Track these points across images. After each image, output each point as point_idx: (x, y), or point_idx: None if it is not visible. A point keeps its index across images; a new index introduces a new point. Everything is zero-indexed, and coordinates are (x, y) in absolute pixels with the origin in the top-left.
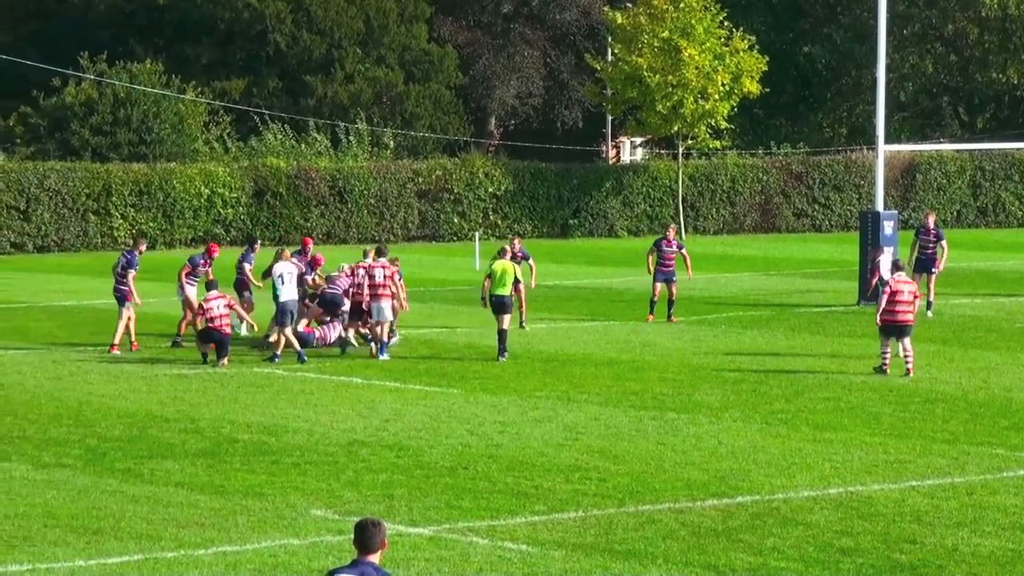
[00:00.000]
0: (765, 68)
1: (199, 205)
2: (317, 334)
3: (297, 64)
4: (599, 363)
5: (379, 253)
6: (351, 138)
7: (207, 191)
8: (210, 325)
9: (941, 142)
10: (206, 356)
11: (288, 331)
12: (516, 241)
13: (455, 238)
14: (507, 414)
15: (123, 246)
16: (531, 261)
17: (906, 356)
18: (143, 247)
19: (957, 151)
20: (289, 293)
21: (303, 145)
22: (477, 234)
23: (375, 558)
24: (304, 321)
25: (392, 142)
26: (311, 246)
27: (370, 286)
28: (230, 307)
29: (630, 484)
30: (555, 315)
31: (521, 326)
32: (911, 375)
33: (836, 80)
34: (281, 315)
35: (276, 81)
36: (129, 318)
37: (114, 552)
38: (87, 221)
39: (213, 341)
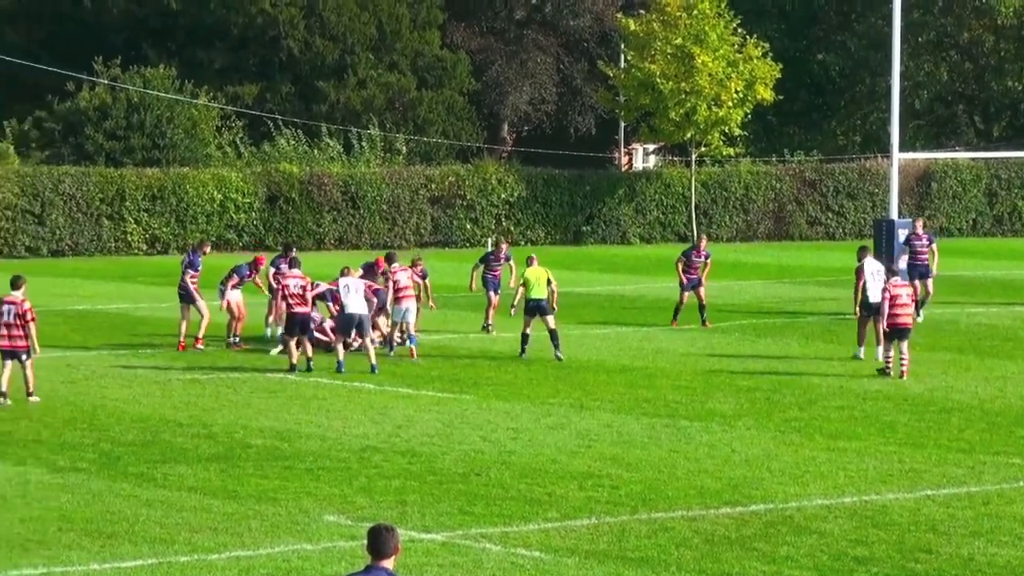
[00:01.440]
0: (779, 75)
1: (212, 210)
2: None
3: (310, 69)
4: (612, 370)
5: (389, 260)
6: (363, 144)
7: (220, 196)
8: (288, 303)
9: (956, 150)
10: (294, 366)
11: (342, 343)
12: (504, 245)
13: (467, 244)
14: (520, 421)
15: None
16: (512, 263)
17: (902, 359)
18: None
19: (973, 159)
20: (356, 304)
21: (315, 150)
22: (489, 240)
23: (389, 564)
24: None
25: (404, 148)
26: (384, 266)
27: (395, 290)
28: (303, 289)
29: (643, 491)
30: (568, 322)
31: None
32: (906, 378)
33: (850, 88)
34: (345, 325)
35: (289, 86)
36: (203, 315)
37: (128, 556)
38: (101, 226)
39: (296, 327)
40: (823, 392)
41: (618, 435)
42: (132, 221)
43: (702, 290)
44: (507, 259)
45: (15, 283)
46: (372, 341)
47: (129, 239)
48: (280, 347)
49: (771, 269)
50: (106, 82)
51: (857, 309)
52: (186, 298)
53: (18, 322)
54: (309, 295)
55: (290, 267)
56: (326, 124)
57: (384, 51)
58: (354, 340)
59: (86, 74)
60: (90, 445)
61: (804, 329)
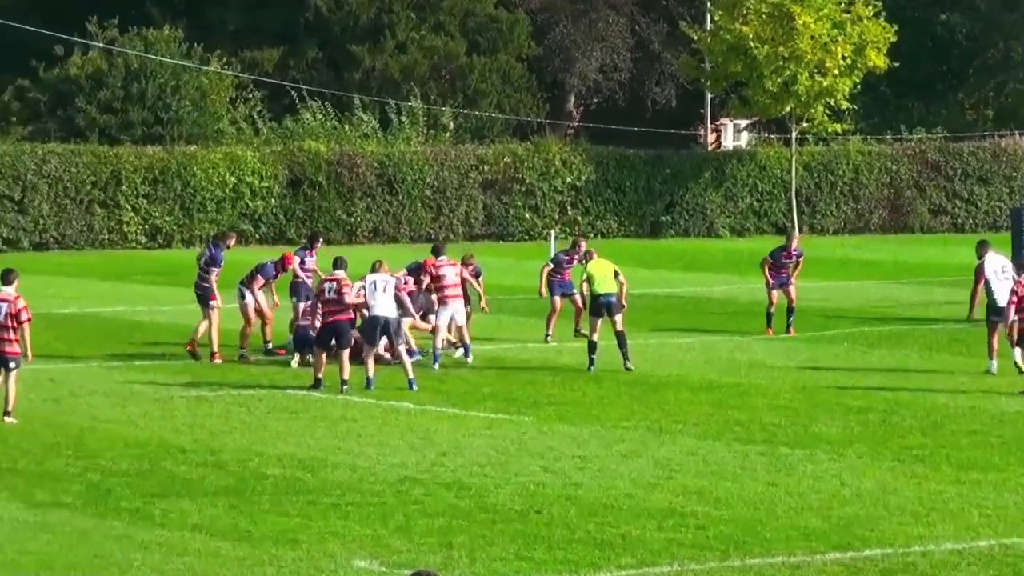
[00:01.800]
0: (894, 39)
1: (223, 196)
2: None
3: (340, 31)
4: (697, 387)
5: (436, 252)
6: (403, 118)
7: (233, 179)
8: (324, 310)
9: None
10: (319, 381)
11: (372, 354)
12: (582, 243)
13: (527, 237)
14: (588, 447)
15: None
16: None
17: None
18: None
19: None
20: (384, 306)
21: (347, 126)
22: (553, 232)
23: None
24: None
25: (452, 123)
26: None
27: (439, 288)
28: (338, 294)
29: (735, 533)
30: (643, 329)
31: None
32: None
33: (980, 53)
34: (370, 330)
35: (316, 51)
36: (211, 322)
37: None
38: (92, 214)
39: (329, 338)
40: (950, 413)
41: (704, 464)
42: (129, 209)
43: (792, 289)
44: (580, 260)
45: (6, 277)
46: (409, 351)
47: (125, 230)
48: (297, 356)
49: (886, 267)
50: (101, 45)
51: (971, 314)
52: (204, 299)
53: (11, 323)
54: (348, 298)
55: (334, 267)
56: (359, 95)
57: (428, 10)
58: (386, 351)
59: (77, 36)
60: (76, 475)
61: (926, 338)
